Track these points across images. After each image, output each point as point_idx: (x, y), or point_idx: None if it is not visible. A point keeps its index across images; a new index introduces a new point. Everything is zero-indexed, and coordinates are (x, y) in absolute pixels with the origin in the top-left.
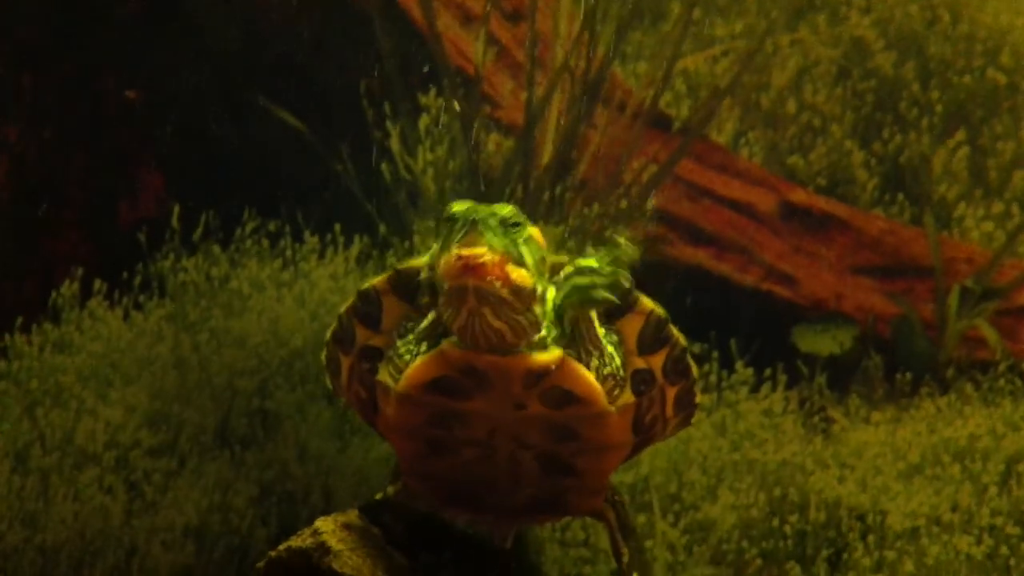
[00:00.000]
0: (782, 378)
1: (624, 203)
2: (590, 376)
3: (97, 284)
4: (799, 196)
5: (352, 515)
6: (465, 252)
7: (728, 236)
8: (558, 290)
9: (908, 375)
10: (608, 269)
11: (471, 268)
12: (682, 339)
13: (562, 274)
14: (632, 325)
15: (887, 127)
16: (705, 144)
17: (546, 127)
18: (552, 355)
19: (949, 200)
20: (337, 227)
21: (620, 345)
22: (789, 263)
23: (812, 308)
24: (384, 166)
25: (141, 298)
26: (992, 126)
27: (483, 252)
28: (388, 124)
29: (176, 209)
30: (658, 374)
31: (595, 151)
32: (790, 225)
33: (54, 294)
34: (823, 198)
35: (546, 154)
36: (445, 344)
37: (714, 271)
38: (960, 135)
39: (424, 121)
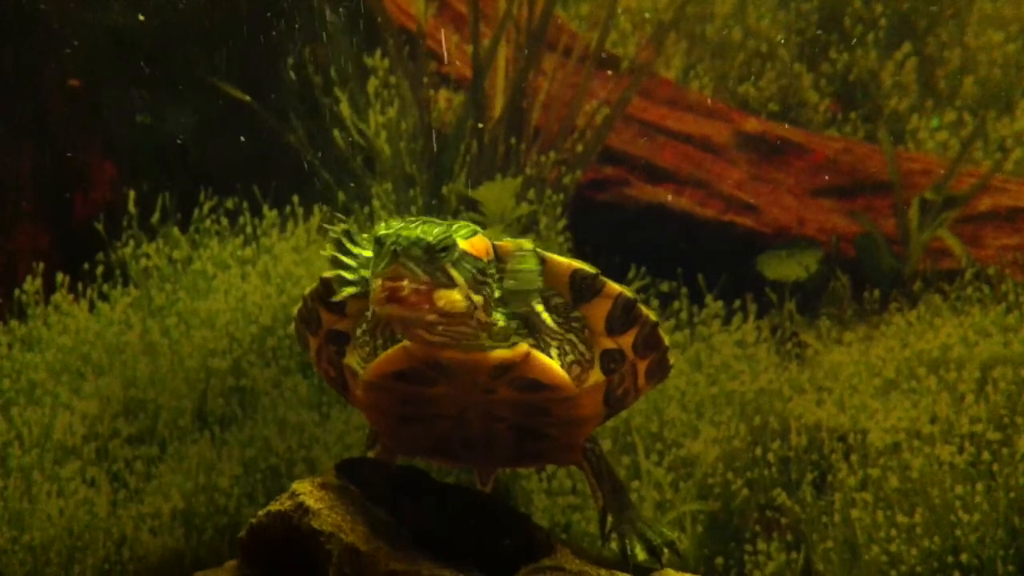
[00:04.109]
0: (752, 308)
1: (579, 147)
2: (555, 365)
3: (60, 277)
4: (752, 124)
5: (329, 475)
6: (388, 283)
7: (685, 171)
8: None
9: (876, 292)
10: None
11: (393, 299)
12: (652, 315)
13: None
14: (600, 308)
15: (833, 46)
16: (655, 80)
17: (495, 78)
18: (517, 350)
19: (901, 113)
20: (295, 198)
21: (584, 328)
22: (749, 192)
23: (775, 235)
24: (336, 132)
25: (105, 287)
26: (937, 35)
27: (404, 284)
28: (336, 89)
29: (131, 194)
30: (628, 352)
31: (546, 98)
32: (746, 154)
33: (17, 291)
34: (777, 124)
35: (497, 106)
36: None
37: (675, 207)
38: (906, 47)
39: (372, 83)
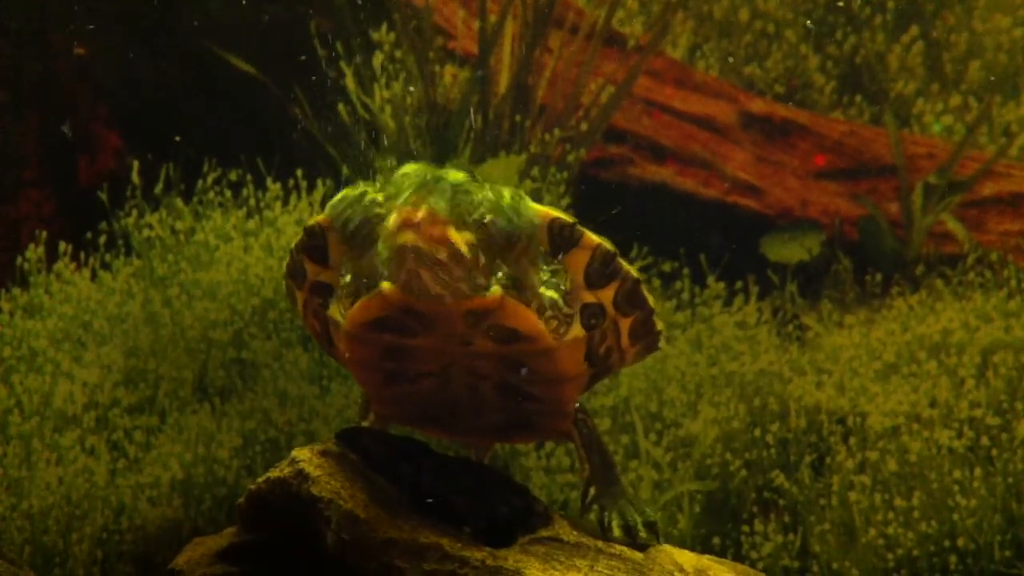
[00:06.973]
0: (754, 289)
1: (584, 125)
2: (532, 314)
3: (62, 246)
4: (758, 105)
5: (329, 443)
6: (405, 212)
7: (690, 150)
8: None
9: (878, 275)
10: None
11: (410, 226)
12: (634, 272)
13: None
14: (578, 260)
15: (840, 28)
16: (661, 59)
17: (501, 55)
18: (492, 295)
19: (907, 97)
20: (299, 172)
21: (566, 279)
22: (753, 173)
23: (778, 216)
24: (341, 106)
25: (107, 257)
26: (945, 19)
27: (424, 213)
28: (342, 63)
29: (135, 164)
30: (609, 307)
31: (552, 75)
32: (751, 135)
33: (20, 259)
34: (782, 105)
35: (503, 82)
36: (385, 285)
37: (678, 187)
38: (913, 30)
39: (378, 58)
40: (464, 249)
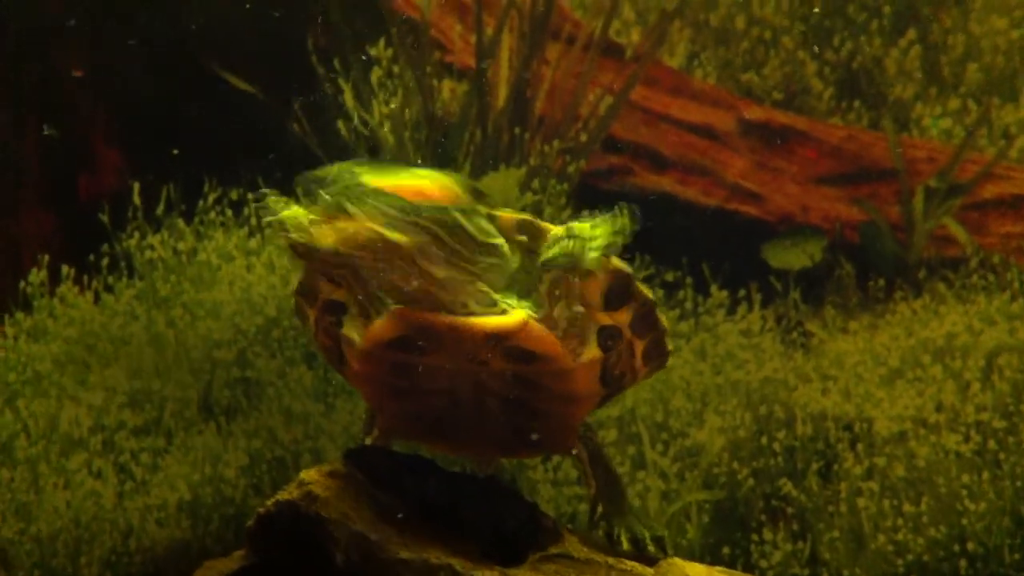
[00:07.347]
0: (757, 297)
1: (583, 136)
2: (552, 337)
3: (65, 269)
4: (756, 112)
5: (337, 463)
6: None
7: (690, 159)
8: (547, 249)
9: (880, 280)
10: (596, 236)
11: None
12: (649, 293)
13: (553, 234)
14: (597, 282)
15: (837, 33)
16: (658, 68)
17: (499, 67)
18: (514, 318)
19: (905, 100)
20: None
21: (582, 302)
22: (753, 180)
23: (780, 223)
24: (340, 122)
25: (110, 279)
26: (941, 22)
27: (297, 215)
28: (340, 79)
29: (136, 186)
30: (625, 329)
31: (549, 87)
32: (750, 142)
33: (23, 283)
34: (781, 112)
35: (501, 95)
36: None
37: (679, 196)
38: (911, 34)
39: (376, 73)
40: (327, 239)
